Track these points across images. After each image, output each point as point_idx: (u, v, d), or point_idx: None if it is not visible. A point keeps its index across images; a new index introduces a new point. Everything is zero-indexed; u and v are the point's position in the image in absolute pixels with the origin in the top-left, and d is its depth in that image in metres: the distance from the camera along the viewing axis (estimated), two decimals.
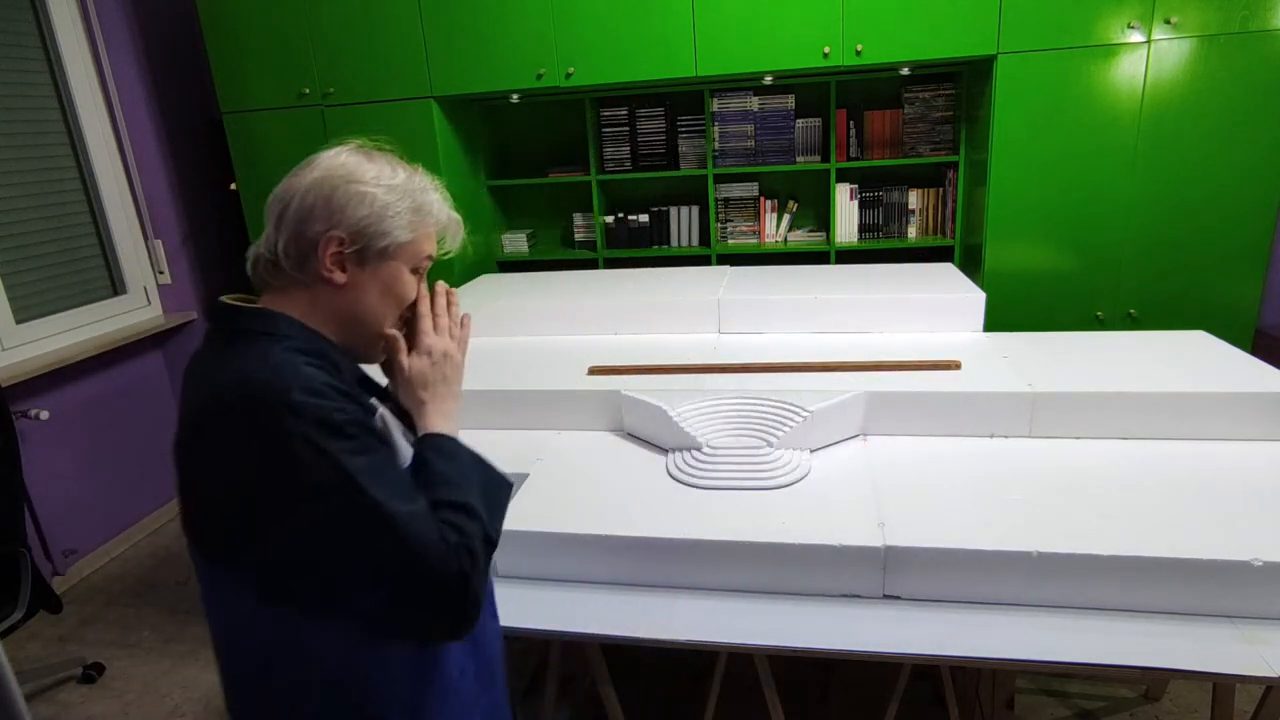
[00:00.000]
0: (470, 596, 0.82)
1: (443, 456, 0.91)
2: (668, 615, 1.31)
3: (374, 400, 0.95)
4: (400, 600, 0.80)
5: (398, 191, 0.91)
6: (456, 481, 0.89)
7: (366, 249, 0.90)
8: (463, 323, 1.04)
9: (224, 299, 0.91)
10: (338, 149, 0.92)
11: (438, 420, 0.96)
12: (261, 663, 0.87)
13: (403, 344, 0.98)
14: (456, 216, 1.00)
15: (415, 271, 0.96)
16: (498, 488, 0.95)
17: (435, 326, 1.00)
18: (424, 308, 0.99)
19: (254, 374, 0.79)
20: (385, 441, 0.86)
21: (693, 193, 3.50)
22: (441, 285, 1.03)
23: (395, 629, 0.85)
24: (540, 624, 1.31)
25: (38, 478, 2.80)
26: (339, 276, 0.89)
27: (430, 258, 0.98)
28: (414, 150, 3.07)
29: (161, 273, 3.39)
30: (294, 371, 0.80)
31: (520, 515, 1.46)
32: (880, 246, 3.31)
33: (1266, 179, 2.59)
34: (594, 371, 1.98)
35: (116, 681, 2.38)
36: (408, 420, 1.00)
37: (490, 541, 0.87)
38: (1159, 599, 1.24)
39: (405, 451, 0.93)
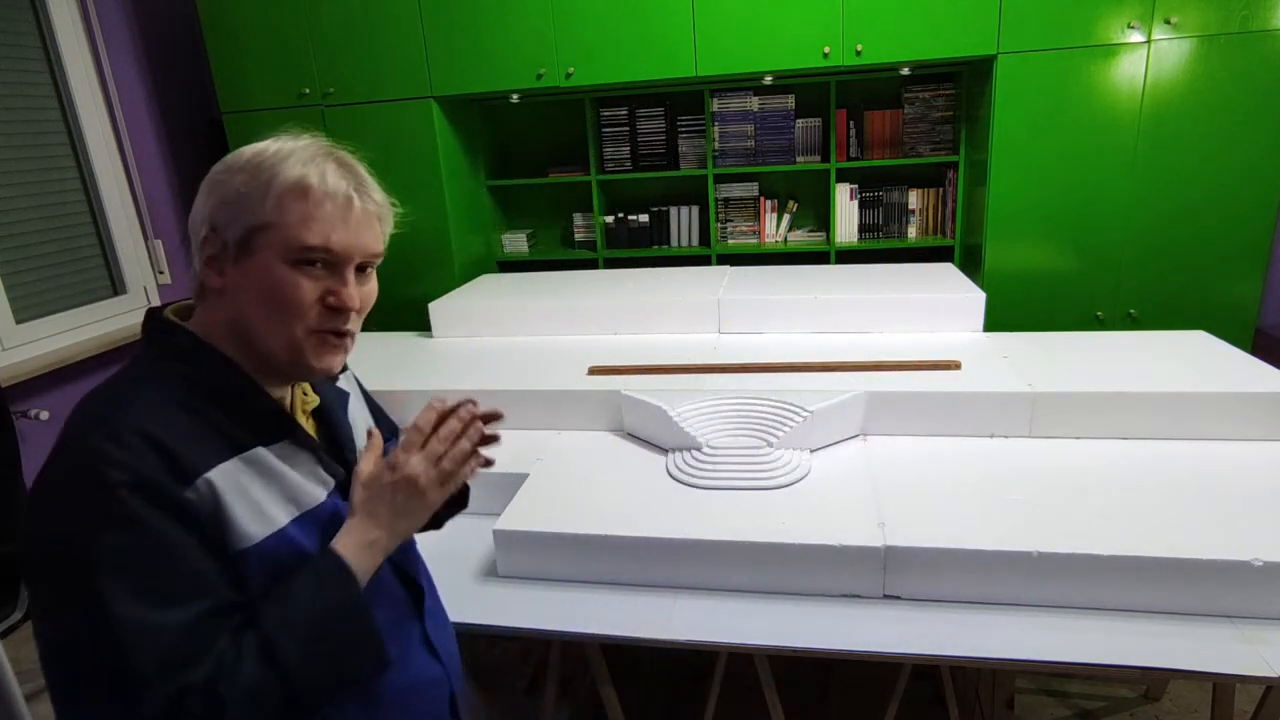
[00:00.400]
0: None
1: (313, 580, 0.77)
2: (668, 615, 1.31)
3: (262, 449, 0.79)
4: (88, 713, 0.70)
5: (239, 169, 0.77)
6: (294, 617, 0.73)
7: (226, 241, 0.76)
8: (468, 458, 0.87)
9: (169, 311, 0.83)
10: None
11: (351, 540, 0.81)
12: None
13: (378, 441, 0.87)
14: (338, 186, 0.78)
15: (302, 264, 0.77)
16: (349, 652, 0.77)
17: (423, 445, 0.85)
18: (423, 419, 0.86)
19: (90, 402, 0.75)
20: (184, 512, 0.71)
21: (693, 193, 3.50)
22: (467, 409, 0.88)
23: None
24: (540, 624, 1.31)
25: None
26: (215, 280, 0.78)
27: (313, 248, 0.77)
28: (414, 150, 3.10)
29: (161, 273, 3.39)
30: (118, 405, 0.72)
31: (521, 515, 1.46)
32: (880, 246, 3.31)
33: (1266, 179, 2.59)
34: (594, 371, 1.98)
35: None
36: (335, 453, 0.89)
37: (289, 696, 0.71)
38: (1159, 599, 1.24)
39: (287, 499, 0.80)
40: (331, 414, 0.91)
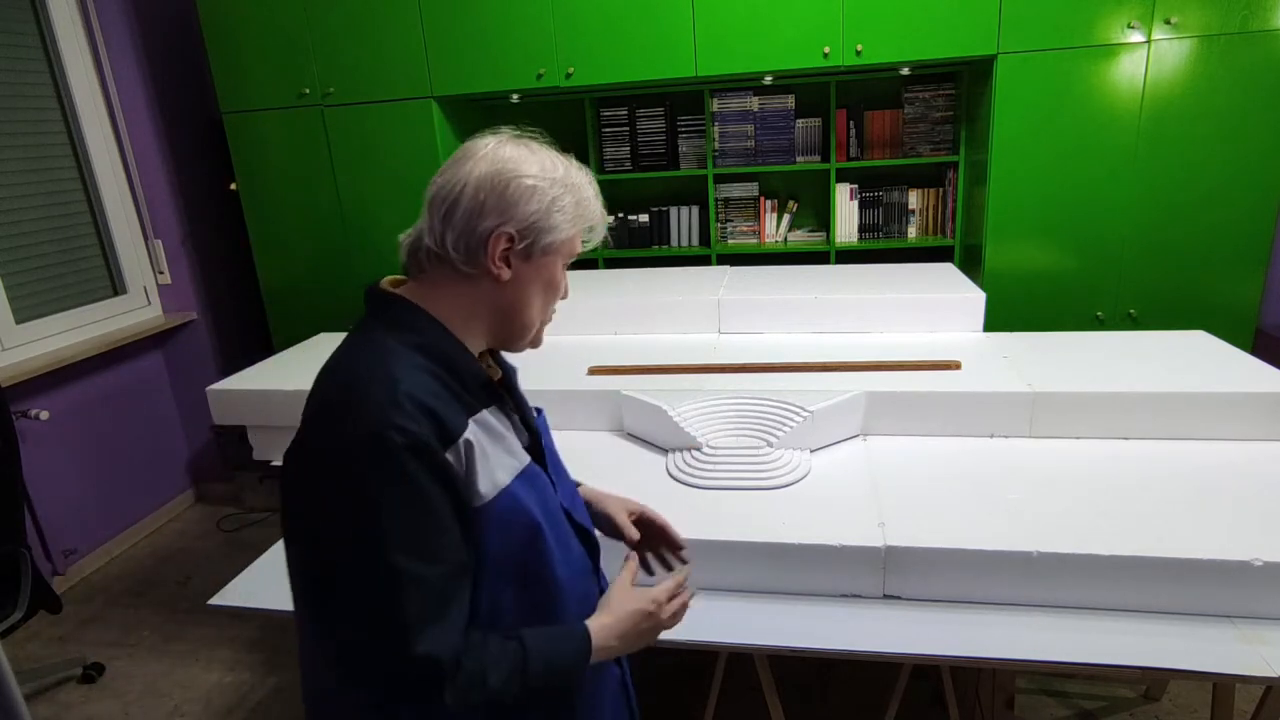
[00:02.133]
0: (435, 674, 0.78)
1: (570, 640, 0.90)
2: None
3: (485, 411, 0.89)
4: (368, 656, 0.79)
5: (561, 185, 0.89)
6: (548, 653, 0.86)
7: (533, 244, 0.88)
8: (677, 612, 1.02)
9: (381, 285, 0.91)
10: (494, 139, 0.90)
11: (599, 632, 0.93)
12: (326, 687, 0.90)
13: (634, 566, 1.02)
14: (606, 214, 0.98)
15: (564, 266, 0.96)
16: (544, 697, 0.92)
17: (675, 601, 1.01)
18: (687, 575, 1.05)
19: (350, 370, 0.83)
20: (445, 473, 0.81)
21: (693, 193, 3.50)
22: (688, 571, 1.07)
23: (368, 682, 0.82)
24: None
25: (38, 478, 2.80)
26: (505, 272, 0.88)
27: (578, 254, 0.96)
28: (414, 150, 3.11)
29: (161, 273, 3.39)
30: (385, 373, 0.80)
31: None
32: (880, 246, 3.31)
33: (1266, 179, 2.59)
34: (594, 371, 1.98)
35: (116, 681, 2.38)
36: (529, 426, 0.99)
37: (505, 690, 0.84)
38: (1159, 599, 1.24)
39: (499, 470, 0.88)
40: (512, 384, 1.01)
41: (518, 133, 0.92)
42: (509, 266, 0.88)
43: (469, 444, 0.83)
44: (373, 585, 0.77)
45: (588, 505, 1.16)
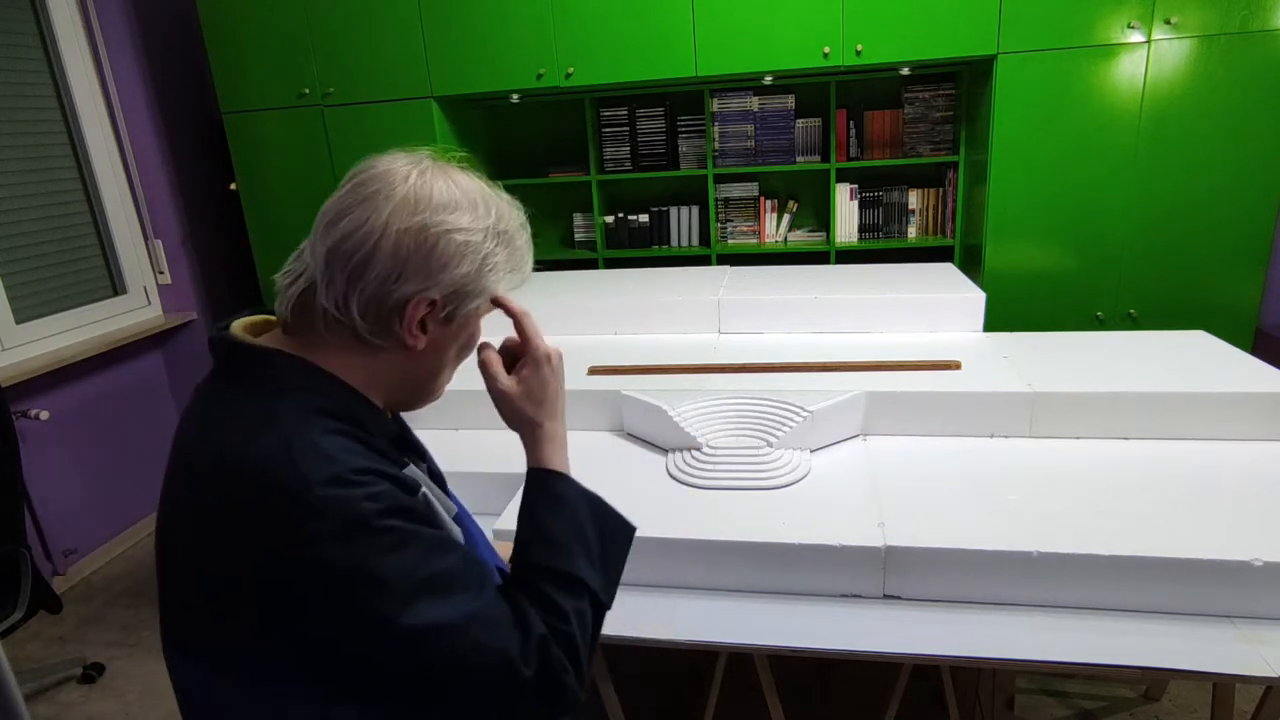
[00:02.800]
0: (564, 695, 0.71)
1: (553, 504, 0.80)
2: (668, 615, 1.31)
3: (410, 466, 0.78)
4: (479, 711, 0.69)
5: (494, 236, 0.75)
6: (563, 541, 0.77)
7: (457, 309, 0.75)
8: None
9: (236, 333, 0.74)
10: (414, 168, 0.74)
11: (550, 449, 0.84)
12: None
13: (497, 361, 0.85)
14: (532, 257, 0.84)
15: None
16: (615, 539, 0.82)
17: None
18: (525, 311, 0.86)
19: (266, 459, 0.65)
20: (422, 515, 0.71)
21: (693, 193, 3.50)
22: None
23: None
24: None
25: (38, 478, 2.80)
26: (420, 341, 0.74)
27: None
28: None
29: (161, 273, 3.39)
30: (313, 453, 0.66)
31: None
32: (880, 246, 3.31)
33: (1266, 179, 2.59)
34: (594, 371, 1.98)
35: (116, 681, 2.38)
36: (441, 483, 0.91)
37: (598, 607, 0.77)
38: (1159, 599, 1.24)
39: (442, 508, 0.79)
40: (406, 430, 0.90)
41: (440, 156, 0.78)
42: (425, 333, 0.74)
43: (425, 496, 0.74)
44: (442, 651, 0.67)
45: None
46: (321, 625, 0.65)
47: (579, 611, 0.75)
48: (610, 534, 0.82)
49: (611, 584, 0.80)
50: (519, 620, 0.71)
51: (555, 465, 0.84)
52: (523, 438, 0.86)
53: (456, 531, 0.78)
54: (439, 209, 0.72)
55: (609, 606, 0.79)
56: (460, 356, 0.83)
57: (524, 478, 0.86)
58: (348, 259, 0.70)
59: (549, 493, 0.81)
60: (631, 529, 0.85)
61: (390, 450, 0.76)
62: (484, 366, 0.86)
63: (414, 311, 0.72)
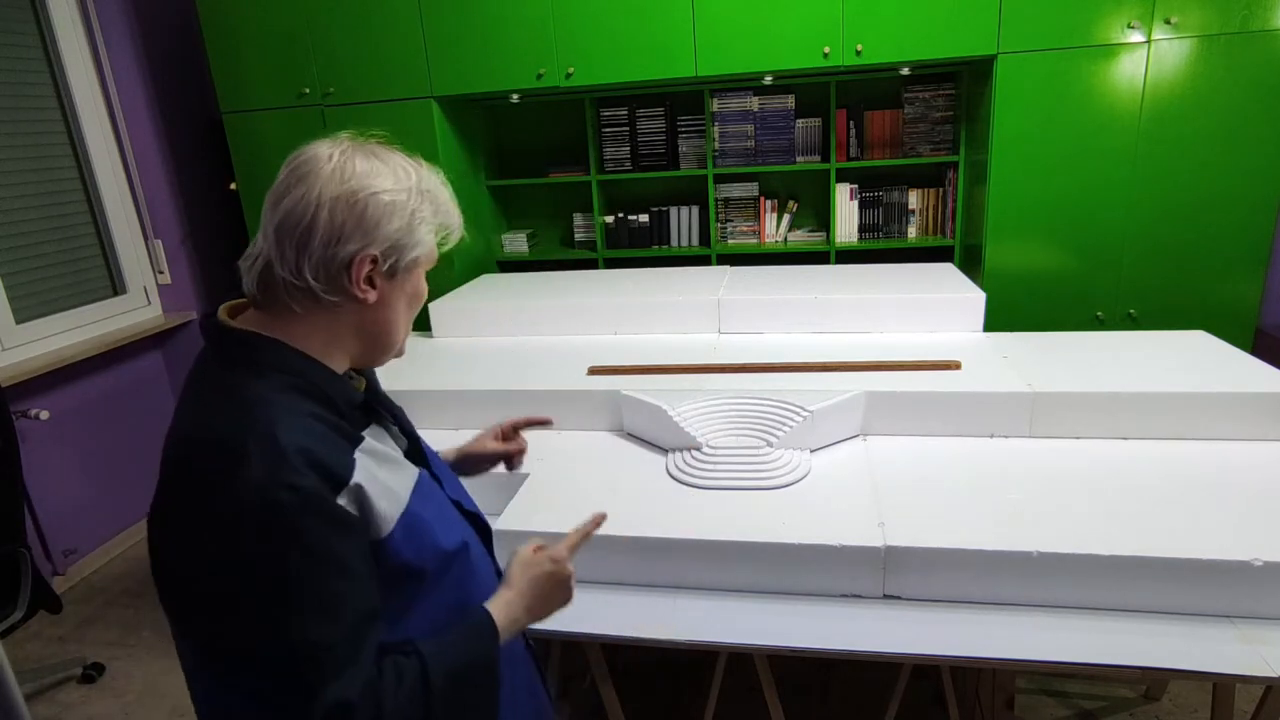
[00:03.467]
0: None
1: (470, 637, 0.87)
2: (668, 615, 1.31)
3: (366, 435, 0.86)
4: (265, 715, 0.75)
5: (418, 194, 0.85)
6: (450, 665, 0.82)
7: (398, 262, 0.84)
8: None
9: (221, 316, 0.84)
10: (335, 149, 0.83)
11: (499, 610, 0.91)
12: None
13: (575, 544, 0.99)
14: (460, 214, 0.93)
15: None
16: (477, 702, 0.87)
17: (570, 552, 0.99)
18: (591, 525, 1.02)
19: (223, 431, 0.75)
20: (343, 523, 0.77)
21: (693, 193, 3.50)
22: (601, 517, 1.04)
23: None
24: (540, 624, 1.31)
25: (38, 478, 2.80)
26: (371, 294, 0.84)
27: (437, 257, 0.93)
28: (414, 150, 3.08)
29: (161, 273, 3.39)
30: (265, 428, 0.74)
31: (521, 515, 1.46)
32: (880, 246, 3.31)
33: (1266, 179, 2.59)
34: (594, 371, 1.98)
35: (116, 681, 2.38)
36: (406, 432, 0.98)
37: (411, 709, 0.78)
38: (1159, 599, 1.24)
39: (391, 498, 0.84)
40: (377, 390, 0.97)
41: (359, 138, 0.86)
42: (373, 287, 0.84)
43: (359, 488, 0.79)
44: (280, 654, 0.72)
45: (464, 461, 1.19)
46: (204, 583, 0.74)
47: (403, 712, 0.77)
48: (476, 702, 0.87)
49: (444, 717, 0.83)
50: (351, 670, 0.74)
51: (498, 615, 0.91)
52: (501, 586, 0.95)
53: (391, 510, 0.83)
54: (362, 177, 0.81)
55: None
56: (411, 308, 0.90)
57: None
58: (293, 231, 0.79)
59: (479, 631, 0.88)
60: (492, 713, 0.91)
61: (354, 419, 0.85)
62: (581, 535, 1.02)
63: (359, 268, 0.81)
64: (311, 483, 0.74)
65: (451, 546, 0.91)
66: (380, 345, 0.89)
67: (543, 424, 1.18)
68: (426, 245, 0.86)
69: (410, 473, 0.89)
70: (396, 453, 0.91)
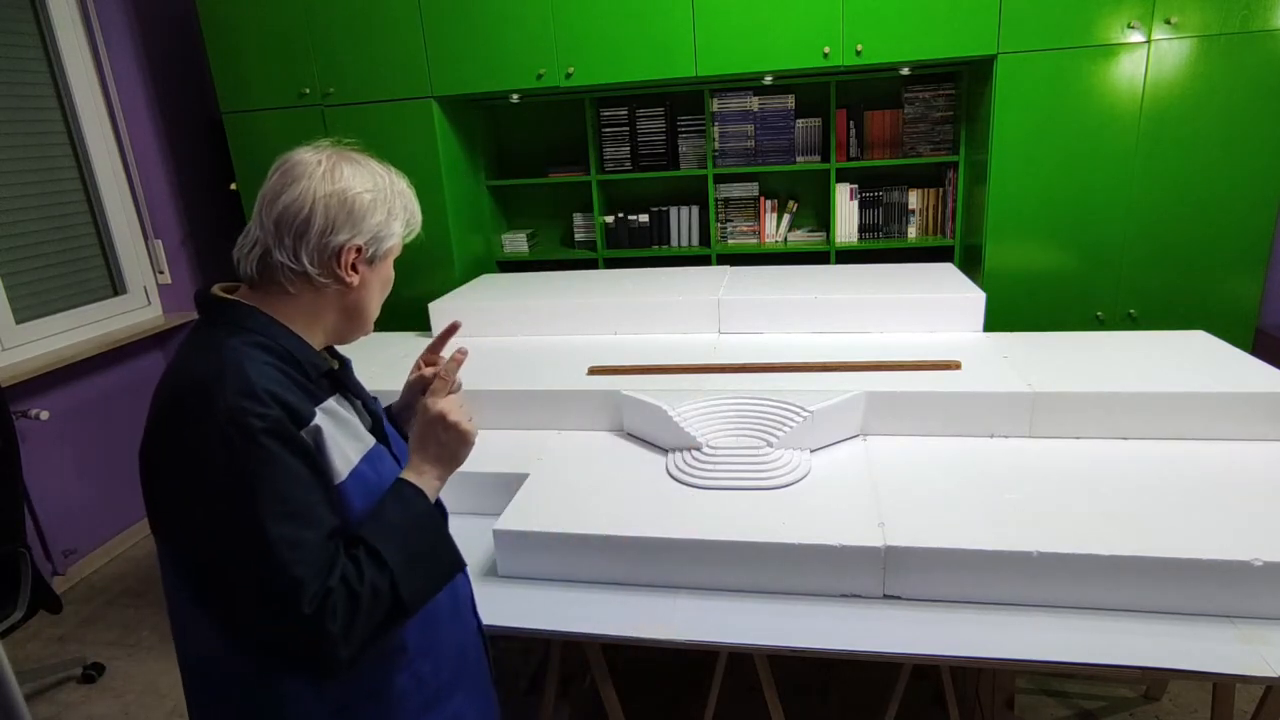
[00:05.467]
0: (324, 638, 0.82)
1: (397, 503, 0.94)
2: (668, 615, 1.31)
3: (334, 399, 0.97)
4: (259, 622, 0.85)
5: (392, 194, 0.99)
6: (390, 529, 0.91)
7: (376, 251, 0.99)
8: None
9: (215, 289, 0.97)
10: (322, 155, 0.96)
11: (411, 471, 0.99)
12: (200, 659, 0.95)
13: (438, 387, 1.03)
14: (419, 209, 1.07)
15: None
16: (436, 559, 0.96)
17: (446, 392, 1.04)
18: (446, 368, 1.05)
19: (199, 373, 0.87)
20: (305, 451, 0.88)
21: (693, 193, 3.50)
22: (460, 354, 1.08)
23: (269, 651, 0.89)
24: (540, 624, 1.31)
25: (38, 478, 2.80)
26: (355, 278, 0.97)
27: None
28: (414, 150, 3.10)
29: (161, 273, 3.39)
30: (234, 369, 0.86)
31: (521, 515, 1.46)
32: (880, 246, 3.31)
33: (1266, 178, 2.59)
34: (594, 371, 1.98)
35: (116, 681, 2.38)
36: (380, 423, 1.06)
37: (396, 599, 0.88)
38: (1159, 599, 1.24)
39: (346, 453, 0.94)
40: (350, 374, 1.09)
41: (338, 145, 0.99)
42: (357, 272, 0.98)
43: (318, 429, 0.90)
44: (258, 555, 0.82)
45: (403, 407, 1.25)
46: (189, 501, 0.85)
47: (375, 586, 0.86)
48: (432, 550, 0.95)
49: (415, 587, 0.91)
50: (328, 567, 0.84)
51: (415, 480, 0.98)
52: (411, 453, 1.01)
53: (343, 464, 0.93)
54: (349, 178, 0.96)
55: (408, 609, 0.90)
56: (382, 292, 1.04)
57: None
58: (291, 224, 0.93)
59: (398, 494, 0.96)
60: (457, 561, 0.99)
61: (319, 384, 0.95)
62: (439, 379, 1.03)
63: (348, 255, 0.95)
64: (276, 413, 0.85)
65: None
66: (356, 323, 1.03)
67: (451, 330, 1.22)
68: (397, 236, 1.01)
69: (366, 441, 0.99)
70: (355, 422, 1.00)
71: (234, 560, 0.84)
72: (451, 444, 1.01)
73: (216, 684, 0.94)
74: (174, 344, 3.45)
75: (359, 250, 0.96)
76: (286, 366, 0.91)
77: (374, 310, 1.04)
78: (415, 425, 1.02)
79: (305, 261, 0.93)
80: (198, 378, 0.87)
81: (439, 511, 0.99)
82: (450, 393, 1.03)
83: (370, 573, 0.86)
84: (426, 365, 1.24)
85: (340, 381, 1.01)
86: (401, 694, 0.99)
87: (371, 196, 0.96)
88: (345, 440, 0.95)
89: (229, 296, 0.95)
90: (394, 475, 1.00)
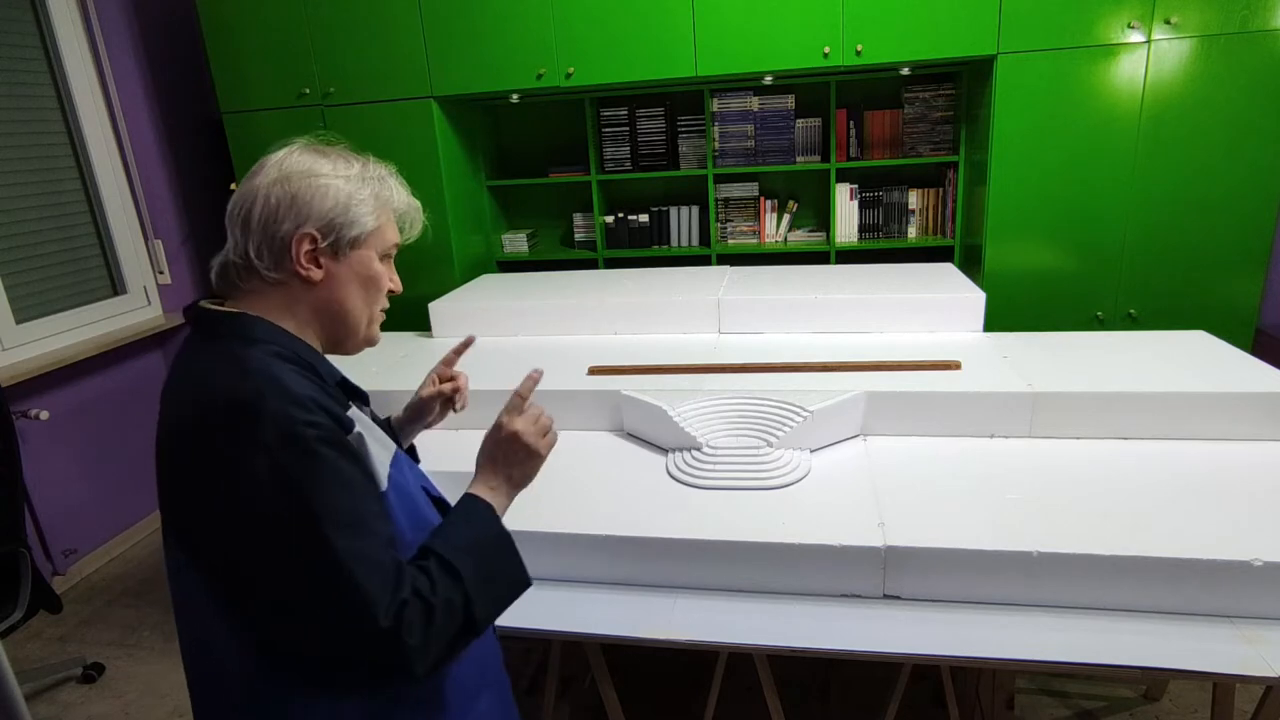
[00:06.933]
0: (403, 652, 0.78)
1: (470, 519, 0.92)
2: (668, 615, 1.31)
3: (353, 407, 0.91)
4: (329, 639, 0.79)
5: (356, 180, 0.91)
6: (462, 545, 0.87)
7: (338, 240, 0.90)
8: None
9: (204, 303, 0.91)
10: (286, 149, 0.91)
11: (480, 485, 0.97)
12: (222, 673, 0.86)
13: (515, 404, 1.01)
14: (416, 202, 1.00)
15: (384, 259, 0.97)
16: (508, 580, 0.92)
17: (522, 410, 1.01)
18: (524, 386, 1.02)
19: (233, 386, 0.80)
20: (357, 458, 0.84)
21: (693, 193, 3.50)
22: (536, 374, 1.05)
23: (332, 668, 0.84)
24: (540, 624, 1.31)
25: (38, 478, 2.80)
26: (315, 273, 0.90)
27: (396, 245, 0.98)
28: (414, 150, 3.10)
29: (161, 273, 3.39)
30: (271, 380, 0.80)
31: (521, 515, 1.46)
32: (880, 246, 3.31)
33: (1266, 179, 2.59)
34: (594, 371, 1.98)
35: (116, 681, 2.38)
36: (388, 430, 1.03)
37: (469, 616, 0.84)
38: (1159, 599, 1.24)
39: (381, 460, 0.90)
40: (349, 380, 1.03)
41: (313, 140, 0.93)
42: (318, 266, 0.90)
43: (360, 436, 0.86)
44: (327, 572, 0.77)
45: (414, 418, 1.21)
46: (240, 520, 0.78)
47: (449, 600, 0.82)
48: (503, 570, 0.92)
49: (487, 606, 0.87)
50: (397, 577, 0.80)
51: (483, 495, 0.96)
52: (481, 469, 0.99)
53: (381, 471, 0.88)
54: (299, 165, 0.89)
55: (478, 628, 0.85)
56: (371, 297, 0.95)
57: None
58: (237, 217, 0.88)
59: (475, 512, 0.93)
60: (525, 580, 0.95)
61: (333, 393, 0.88)
62: (517, 396, 1.01)
63: (298, 246, 0.88)
64: (326, 420, 0.81)
65: (436, 521, 0.95)
66: (340, 327, 0.94)
67: (466, 345, 1.21)
68: (367, 225, 0.91)
69: (389, 447, 0.94)
70: (378, 429, 0.95)
71: (298, 579, 0.78)
72: (526, 464, 0.99)
73: (240, 703, 0.86)
74: (174, 344, 3.45)
75: (313, 239, 0.88)
76: (309, 374, 0.86)
77: (359, 312, 0.95)
78: (488, 442, 1.00)
79: (251, 254, 0.87)
80: (232, 394, 0.79)
81: (504, 526, 0.96)
82: (530, 412, 1.00)
83: (444, 586, 0.82)
84: (442, 380, 1.22)
85: (354, 391, 0.96)
86: (438, 697, 0.95)
87: (325, 182, 0.88)
88: (377, 447, 0.90)
89: (227, 309, 0.89)
90: (419, 484, 0.97)
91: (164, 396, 0.88)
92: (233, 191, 0.93)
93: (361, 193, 0.91)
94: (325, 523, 0.77)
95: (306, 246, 0.88)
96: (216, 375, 0.82)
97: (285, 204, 0.87)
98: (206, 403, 0.81)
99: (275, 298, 0.90)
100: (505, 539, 0.93)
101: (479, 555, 0.88)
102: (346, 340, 0.96)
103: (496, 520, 0.94)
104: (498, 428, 1.00)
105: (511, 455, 0.99)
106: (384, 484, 0.88)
